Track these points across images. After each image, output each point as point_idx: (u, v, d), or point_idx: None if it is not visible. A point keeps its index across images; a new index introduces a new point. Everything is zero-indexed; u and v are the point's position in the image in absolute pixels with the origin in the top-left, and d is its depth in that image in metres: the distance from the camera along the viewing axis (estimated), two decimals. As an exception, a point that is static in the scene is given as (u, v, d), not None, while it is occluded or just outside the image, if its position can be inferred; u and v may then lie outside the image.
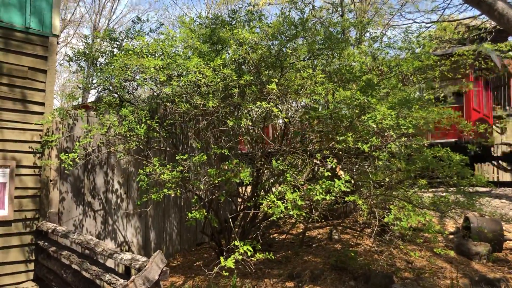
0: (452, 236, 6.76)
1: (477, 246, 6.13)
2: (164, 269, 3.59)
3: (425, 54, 6.28)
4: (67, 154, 5.29)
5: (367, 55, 6.42)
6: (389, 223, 4.96)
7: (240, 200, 7.01)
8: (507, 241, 6.54)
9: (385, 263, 5.74)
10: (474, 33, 8.84)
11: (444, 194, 5.92)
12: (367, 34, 7.76)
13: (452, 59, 8.57)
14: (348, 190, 4.71)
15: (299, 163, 6.09)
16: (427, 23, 7.98)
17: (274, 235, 7.39)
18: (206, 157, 5.00)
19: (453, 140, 8.67)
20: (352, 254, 5.59)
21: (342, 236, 7.03)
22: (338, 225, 6.98)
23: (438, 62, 8.29)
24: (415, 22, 9.09)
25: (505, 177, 15.62)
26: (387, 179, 6.02)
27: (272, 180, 6.38)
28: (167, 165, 5.08)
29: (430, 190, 6.63)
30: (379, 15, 11.10)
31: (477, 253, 6.06)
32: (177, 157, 5.13)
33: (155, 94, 6.46)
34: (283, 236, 7.28)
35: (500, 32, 8.69)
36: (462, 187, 5.86)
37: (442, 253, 5.31)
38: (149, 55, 5.80)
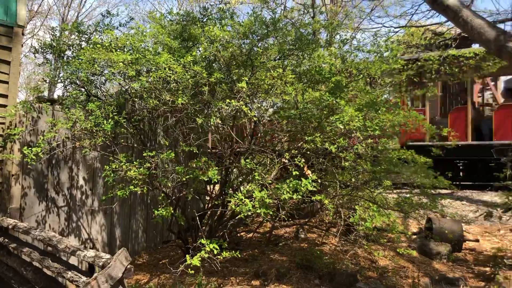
0: (415, 236, 6.94)
1: (438, 246, 6.32)
2: (128, 266, 3.54)
3: (393, 58, 6.41)
4: (30, 148, 5.14)
5: (337, 57, 6.50)
6: (354, 223, 5.05)
7: (208, 198, 6.99)
8: (467, 242, 6.76)
9: (349, 262, 5.83)
10: (440, 39, 9.11)
11: (408, 195, 6.06)
12: (337, 36, 7.86)
13: (418, 63, 8.80)
14: (315, 189, 4.76)
15: (268, 162, 6.12)
16: (395, 27, 8.19)
17: (242, 233, 7.39)
18: (174, 154, 4.95)
19: None
20: (318, 253, 5.66)
21: (309, 235, 7.10)
22: (305, 224, 7.04)
23: (405, 67, 8.49)
24: (384, 26, 9.33)
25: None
26: (353, 180, 6.12)
27: (240, 179, 6.38)
28: (134, 162, 5.01)
29: (394, 191, 6.79)
30: (350, 18, 11.25)
31: (438, 253, 6.24)
32: (144, 154, 5.07)
33: (124, 89, 6.36)
34: (250, 235, 7.30)
35: (464, 39, 8.98)
36: (425, 189, 6.03)
37: (405, 253, 5.45)
38: (118, 50, 5.69)
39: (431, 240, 6.42)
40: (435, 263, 6.11)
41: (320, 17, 11.57)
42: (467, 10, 4.10)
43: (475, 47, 9.92)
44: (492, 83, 14.94)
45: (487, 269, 5.78)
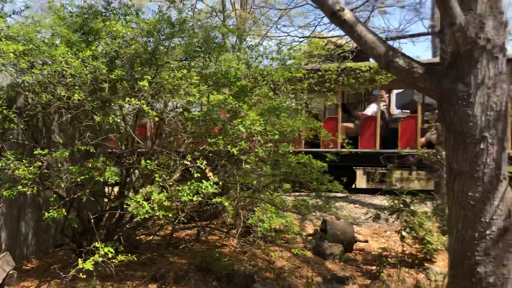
0: (311, 237, 7.26)
1: (332, 247, 6.67)
2: (10, 272, 3.30)
3: (295, 66, 6.67)
4: None
5: (243, 62, 6.62)
6: (253, 225, 5.17)
7: (106, 200, 6.72)
8: (358, 242, 7.21)
9: (248, 263, 5.95)
10: (339, 50, 9.67)
11: (305, 198, 6.33)
12: (244, 42, 8.02)
13: (319, 73, 9.27)
14: (218, 191, 4.80)
15: (172, 164, 6.04)
16: (300, 37, 8.52)
17: (142, 236, 7.21)
18: (68, 153, 4.71)
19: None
20: (217, 255, 5.69)
21: (210, 237, 7.12)
22: (206, 227, 7.06)
23: (307, 75, 8.90)
24: (289, 35, 9.65)
25: (361, 184, 17.29)
26: (254, 182, 6.26)
27: (142, 181, 6.23)
28: (24, 160, 4.68)
29: (294, 194, 7.05)
30: (257, 25, 11.52)
31: (331, 253, 6.59)
32: (35, 152, 4.76)
33: (16, 82, 5.91)
34: (151, 238, 7.15)
35: (361, 52, 9.60)
36: (321, 192, 6.34)
37: (299, 253, 5.67)
38: (10, 39, 5.29)
39: (325, 241, 6.76)
40: (328, 263, 6.44)
41: (229, 22, 11.71)
42: (361, 25, 4.35)
43: (372, 60, 10.67)
44: (387, 95, 16.17)
45: (374, 267, 6.21)
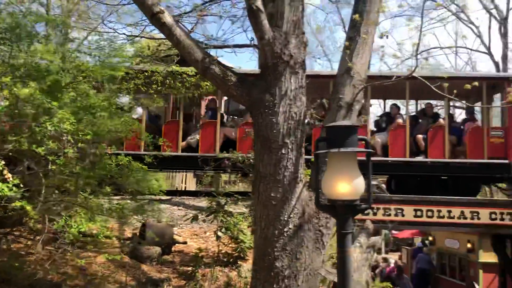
0: (130, 241, 7.09)
1: (150, 250, 6.62)
2: None
3: (119, 65, 6.42)
4: None
5: (60, 55, 6.15)
6: (58, 230, 4.83)
7: None
8: (177, 244, 7.29)
9: (56, 271, 5.54)
10: (166, 53, 9.61)
11: (123, 201, 6.14)
12: (67, 35, 7.47)
13: (146, 74, 9.12)
14: (17, 195, 4.36)
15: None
16: (128, 35, 8.21)
17: None
18: None
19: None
20: (17, 265, 5.17)
21: (14, 245, 6.44)
22: (9, 234, 6.36)
23: (131, 75, 8.69)
24: (117, 32, 9.11)
25: (191, 186, 17.51)
26: (68, 185, 5.86)
27: None
28: None
29: (116, 197, 6.79)
30: (83, 18, 10.88)
31: (148, 256, 6.54)
32: None
33: None
34: None
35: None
36: (142, 195, 6.23)
37: (110, 258, 5.50)
38: None
39: (144, 245, 6.67)
40: (145, 266, 6.38)
41: (52, 12, 10.79)
42: (180, 30, 4.38)
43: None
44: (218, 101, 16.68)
45: (190, 268, 6.34)
